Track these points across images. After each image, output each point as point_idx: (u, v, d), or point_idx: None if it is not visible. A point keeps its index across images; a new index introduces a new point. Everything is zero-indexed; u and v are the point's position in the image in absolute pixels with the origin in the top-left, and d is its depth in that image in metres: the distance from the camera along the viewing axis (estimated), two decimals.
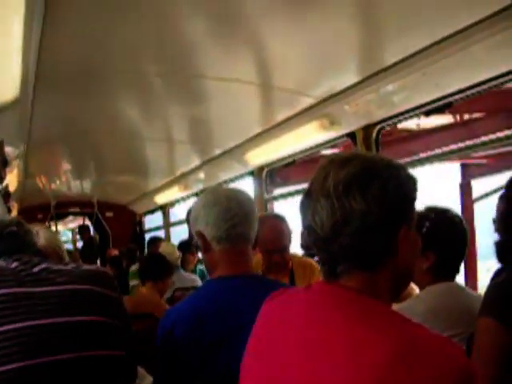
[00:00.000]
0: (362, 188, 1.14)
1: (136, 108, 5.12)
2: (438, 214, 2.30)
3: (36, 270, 1.73)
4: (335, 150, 5.56)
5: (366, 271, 1.17)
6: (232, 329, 1.67)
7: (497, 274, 2.31)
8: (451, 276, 2.30)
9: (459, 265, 2.33)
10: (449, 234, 2.26)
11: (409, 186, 1.22)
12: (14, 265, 1.74)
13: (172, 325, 1.87)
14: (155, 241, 7.61)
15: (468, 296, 2.28)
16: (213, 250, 1.92)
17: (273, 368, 1.19)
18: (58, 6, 2.78)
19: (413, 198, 1.24)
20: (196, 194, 8.05)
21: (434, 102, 3.43)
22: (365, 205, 1.13)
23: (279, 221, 3.45)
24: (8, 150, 5.18)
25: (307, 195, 1.22)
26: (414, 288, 2.62)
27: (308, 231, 1.21)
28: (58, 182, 9.31)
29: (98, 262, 11.01)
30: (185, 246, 6.77)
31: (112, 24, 3.18)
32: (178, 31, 3.30)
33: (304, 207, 1.22)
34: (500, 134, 3.35)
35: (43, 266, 1.75)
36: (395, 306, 2.21)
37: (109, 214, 11.08)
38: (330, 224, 1.15)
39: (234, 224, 1.89)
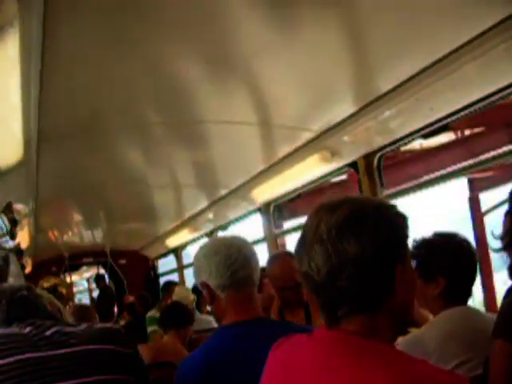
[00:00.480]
0: (355, 231, 1.16)
1: (140, 157, 5.17)
2: (445, 240, 2.30)
3: (48, 333, 1.74)
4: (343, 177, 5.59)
5: (366, 313, 1.17)
6: (243, 377, 1.67)
7: (508, 292, 2.30)
8: (463, 300, 2.29)
9: (470, 288, 2.32)
10: (457, 259, 2.25)
11: (400, 225, 1.23)
12: (27, 330, 1.75)
13: (184, 375, 1.89)
14: (169, 286, 7.57)
15: (482, 319, 2.25)
16: (219, 298, 1.94)
17: None
18: (54, 66, 2.84)
19: (405, 236, 1.24)
20: (206, 235, 8.07)
21: (430, 125, 3.46)
22: (359, 248, 1.14)
23: (289, 258, 3.45)
24: (17, 208, 5.24)
25: (301, 242, 1.23)
26: (430, 314, 2.60)
27: (304, 277, 1.22)
28: (69, 234, 9.38)
29: (115, 309, 11.03)
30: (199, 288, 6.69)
31: (109, 77, 3.24)
32: (175, 80, 3.36)
33: (299, 254, 1.23)
34: (506, 148, 3.34)
35: (55, 328, 1.76)
36: (410, 334, 2.21)
37: (122, 261, 11.10)
38: (326, 269, 1.16)
39: (236, 269, 1.91)
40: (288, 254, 3.56)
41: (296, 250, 1.25)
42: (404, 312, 1.24)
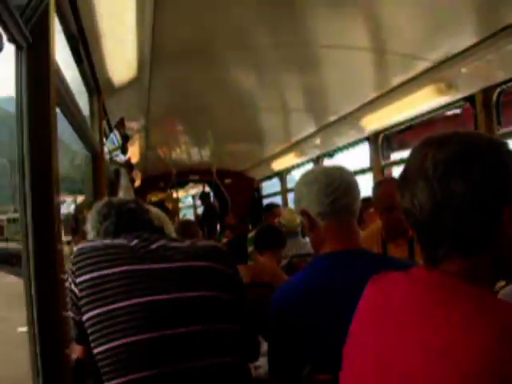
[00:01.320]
0: (462, 169, 1.09)
1: (251, 78, 5.15)
2: None
3: (154, 246, 1.80)
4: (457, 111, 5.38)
5: (467, 255, 1.12)
6: (339, 308, 1.64)
7: None
8: None
9: None
10: None
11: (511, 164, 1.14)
12: (134, 242, 1.82)
13: (282, 299, 1.90)
14: (271, 207, 7.64)
15: None
16: (318, 226, 1.92)
17: (373, 350, 1.18)
18: None
19: None
20: (312, 161, 8.05)
21: None
22: (465, 187, 1.07)
23: (395, 180, 3.40)
24: (130, 124, 5.39)
25: (404, 177, 1.18)
26: None
27: (406, 214, 1.17)
28: (178, 152, 9.57)
29: (218, 227, 11.32)
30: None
31: None
32: (290, 3, 3.28)
33: (402, 189, 1.18)
34: None
35: (161, 243, 1.83)
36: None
37: (227, 181, 11.26)
38: (429, 207, 1.11)
39: (337, 197, 1.89)
40: (393, 178, 3.52)
41: (398, 185, 1.20)
42: (508, 258, 1.16)
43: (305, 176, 2.01)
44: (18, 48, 1.60)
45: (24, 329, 1.76)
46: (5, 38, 1.40)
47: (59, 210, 1.94)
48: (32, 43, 1.60)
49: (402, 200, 1.18)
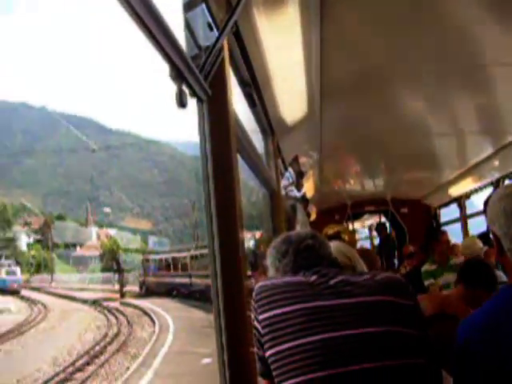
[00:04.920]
0: None
1: (421, 104, 5.08)
2: None
3: (332, 282, 1.82)
4: None
5: None
6: None
7: None
8: None
9: None
10: None
11: None
12: (313, 278, 1.85)
13: (467, 333, 1.81)
14: (436, 236, 7.28)
15: None
16: (506, 255, 1.79)
17: None
18: (333, 23, 2.91)
19: None
20: (492, 184, 7.70)
21: None
22: None
23: None
24: (303, 160, 5.52)
25: None
26: None
27: None
28: (351, 183, 9.58)
29: (396, 258, 11.11)
30: (486, 239, 6.32)
31: (388, 27, 3.23)
32: (456, 23, 3.22)
33: None
34: None
35: (340, 278, 1.84)
36: None
37: (403, 210, 11.05)
38: None
39: None
40: None
41: None
42: None
43: (506, 199, 1.79)
44: (199, 101, 1.72)
45: (207, 360, 1.86)
46: (188, 93, 1.51)
47: (243, 246, 2.04)
48: (212, 96, 1.72)
49: None
